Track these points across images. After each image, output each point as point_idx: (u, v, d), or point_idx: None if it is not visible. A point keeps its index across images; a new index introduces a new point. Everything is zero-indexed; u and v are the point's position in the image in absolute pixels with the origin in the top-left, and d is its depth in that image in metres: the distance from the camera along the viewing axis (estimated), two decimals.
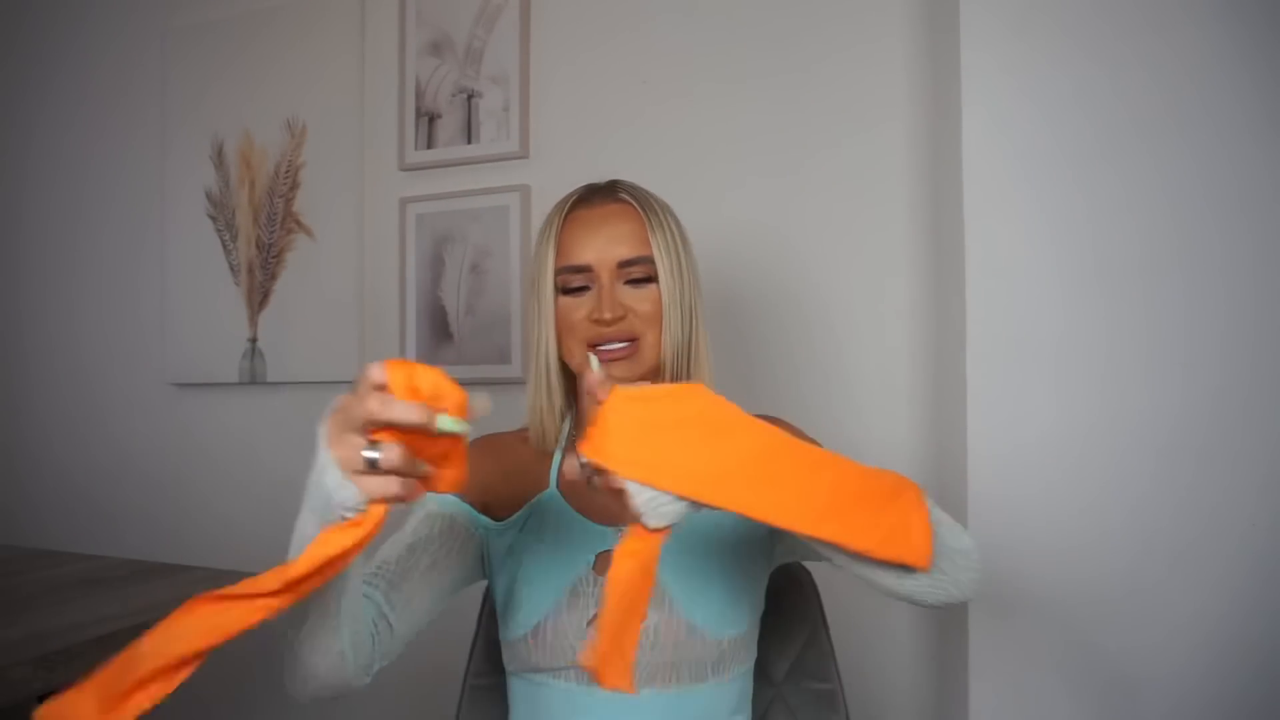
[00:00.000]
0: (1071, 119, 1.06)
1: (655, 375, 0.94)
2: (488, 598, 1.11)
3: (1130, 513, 1.03)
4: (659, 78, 1.50)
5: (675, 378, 0.93)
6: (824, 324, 1.38)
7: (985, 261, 1.10)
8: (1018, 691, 1.08)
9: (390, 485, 0.58)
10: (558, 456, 0.98)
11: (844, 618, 1.31)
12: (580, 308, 0.91)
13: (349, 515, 0.59)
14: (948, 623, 1.23)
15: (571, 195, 0.97)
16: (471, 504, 0.95)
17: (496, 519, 0.96)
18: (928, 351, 1.31)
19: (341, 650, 0.75)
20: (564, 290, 0.92)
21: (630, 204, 0.94)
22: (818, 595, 1.08)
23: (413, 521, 0.93)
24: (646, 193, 0.97)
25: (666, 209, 0.97)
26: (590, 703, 0.88)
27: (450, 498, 0.93)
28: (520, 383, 1.57)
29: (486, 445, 0.99)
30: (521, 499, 0.97)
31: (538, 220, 1.56)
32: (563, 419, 0.97)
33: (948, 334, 1.22)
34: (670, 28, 1.49)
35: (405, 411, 0.56)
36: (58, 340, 2.06)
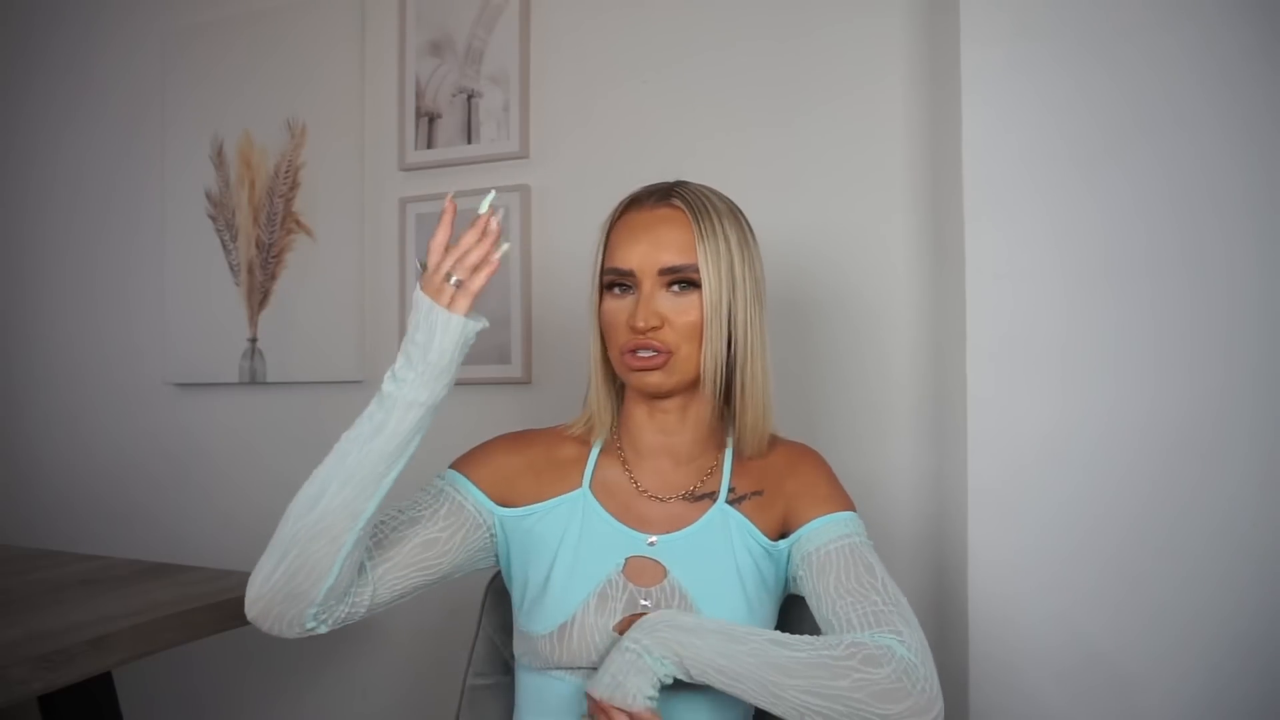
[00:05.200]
0: (1072, 119, 1.06)
1: (694, 387, 0.94)
2: (487, 596, 1.11)
3: (1130, 512, 1.03)
4: (659, 78, 1.49)
5: (719, 390, 0.93)
6: (823, 325, 1.38)
7: (985, 262, 1.10)
8: (1018, 691, 1.08)
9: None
10: (593, 456, 0.99)
11: None
12: (622, 312, 0.92)
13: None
14: (948, 623, 1.23)
15: (628, 196, 0.97)
16: (487, 493, 0.96)
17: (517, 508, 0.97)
18: (928, 353, 1.31)
19: (342, 555, 0.82)
20: (609, 289, 0.94)
21: (681, 209, 0.92)
22: None
23: (418, 495, 0.95)
24: (708, 197, 0.94)
25: (725, 215, 0.93)
26: None
27: (463, 480, 0.96)
28: (521, 383, 1.58)
29: (513, 439, 1.02)
30: (547, 492, 0.97)
31: (538, 220, 1.58)
32: (610, 417, 1.00)
33: (948, 335, 1.22)
34: (670, 28, 1.49)
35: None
36: (58, 340, 2.06)
